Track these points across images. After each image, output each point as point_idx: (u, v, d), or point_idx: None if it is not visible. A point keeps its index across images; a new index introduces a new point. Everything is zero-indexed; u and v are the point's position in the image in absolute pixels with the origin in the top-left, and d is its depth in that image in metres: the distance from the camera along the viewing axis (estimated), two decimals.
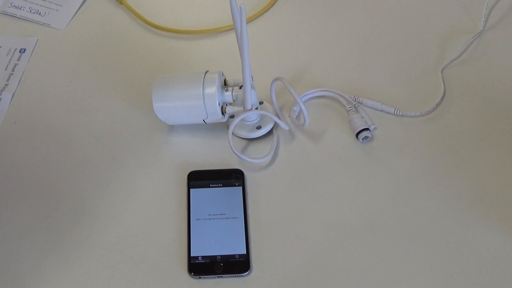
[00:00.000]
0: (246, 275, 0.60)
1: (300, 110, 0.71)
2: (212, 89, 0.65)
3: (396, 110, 0.71)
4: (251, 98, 0.65)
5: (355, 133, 0.69)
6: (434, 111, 0.72)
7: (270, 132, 0.70)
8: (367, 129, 0.69)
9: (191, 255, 0.61)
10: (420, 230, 0.63)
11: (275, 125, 0.71)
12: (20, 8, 0.85)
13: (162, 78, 0.68)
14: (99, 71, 0.77)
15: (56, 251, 0.62)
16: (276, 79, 0.69)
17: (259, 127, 0.69)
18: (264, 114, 0.68)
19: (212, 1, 0.85)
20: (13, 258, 0.62)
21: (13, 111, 0.74)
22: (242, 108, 0.67)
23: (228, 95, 0.67)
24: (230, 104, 0.68)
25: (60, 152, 0.70)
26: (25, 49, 0.80)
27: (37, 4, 0.85)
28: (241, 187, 0.66)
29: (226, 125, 0.71)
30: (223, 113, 0.67)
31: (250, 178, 0.67)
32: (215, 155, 0.69)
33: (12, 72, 0.78)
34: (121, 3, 0.84)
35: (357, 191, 0.66)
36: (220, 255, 0.61)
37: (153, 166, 0.68)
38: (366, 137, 0.69)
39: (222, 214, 0.64)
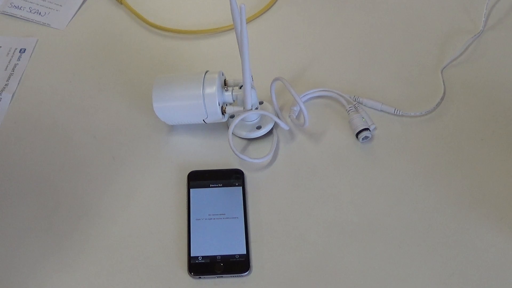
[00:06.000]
0: (246, 275, 0.60)
1: (300, 110, 0.71)
2: (212, 89, 0.65)
3: (396, 110, 0.71)
4: (251, 98, 0.65)
5: (355, 133, 0.69)
6: (434, 111, 0.72)
7: (270, 132, 0.70)
8: (367, 129, 0.69)
9: (191, 255, 0.61)
10: (420, 230, 0.63)
11: (275, 125, 0.71)
12: (20, 8, 0.85)
13: (162, 78, 0.68)
14: (99, 71, 0.77)
15: (56, 251, 0.62)
16: (276, 79, 0.69)
17: (259, 127, 0.69)
18: (264, 114, 0.68)
19: (212, 1, 0.85)
20: (13, 259, 0.62)
21: (13, 111, 0.74)
22: (242, 108, 0.67)
23: (228, 95, 0.67)
24: (230, 104, 0.68)
25: (60, 152, 0.70)
26: (25, 49, 0.80)
27: (37, 4, 0.85)
28: (241, 187, 0.66)
29: (226, 125, 0.71)
30: (223, 113, 0.67)
31: (250, 178, 0.67)
32: (215, 155, 0.69)
33: (12, 72, 0.78)
34: (121, 3, 0.84)
35: (357, 191, 0.66)
36: (220, 255, 0.61)
37: (153, 166, 0.68)
38: (366, 137, 0.69)
39: (222, 214, 0.64)
